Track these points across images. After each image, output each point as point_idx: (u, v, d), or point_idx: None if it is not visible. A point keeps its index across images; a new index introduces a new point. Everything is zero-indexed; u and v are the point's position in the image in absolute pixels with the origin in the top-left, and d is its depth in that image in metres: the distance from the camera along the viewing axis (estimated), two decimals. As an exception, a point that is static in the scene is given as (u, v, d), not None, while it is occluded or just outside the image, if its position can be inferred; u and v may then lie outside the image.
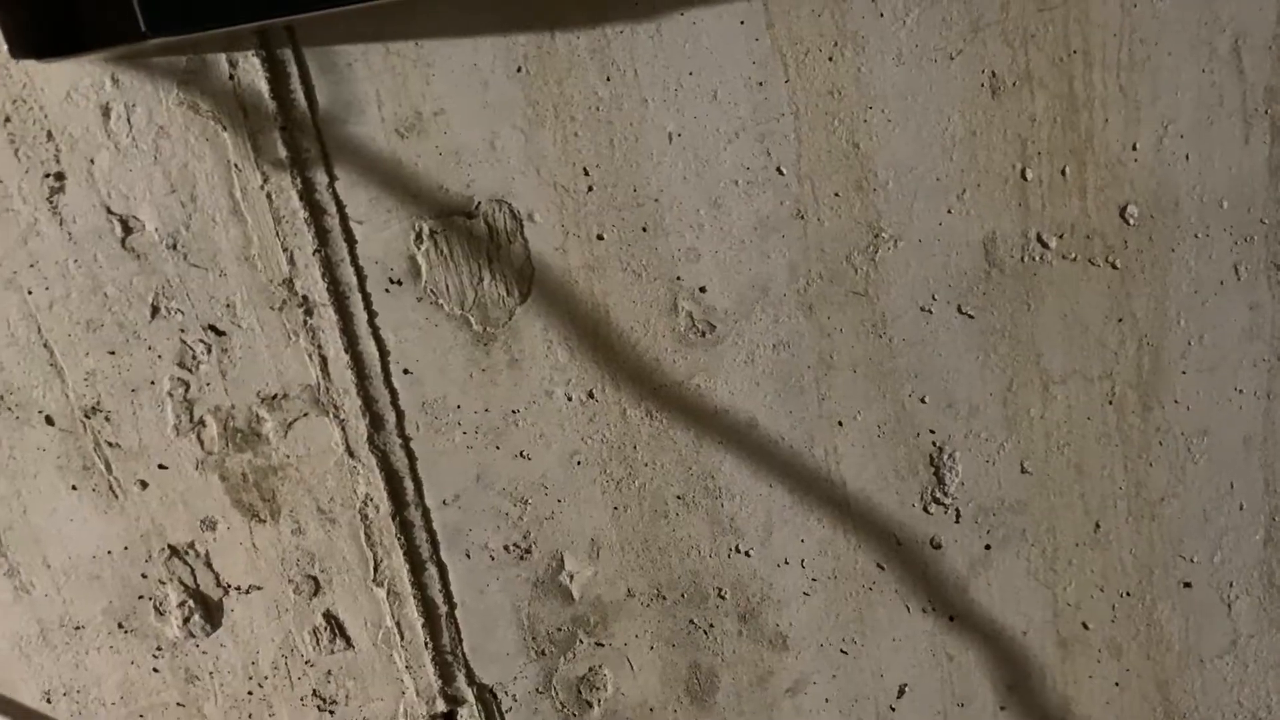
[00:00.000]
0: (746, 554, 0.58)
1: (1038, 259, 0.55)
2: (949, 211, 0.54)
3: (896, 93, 0.52)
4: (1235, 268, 0.57)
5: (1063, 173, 0.54)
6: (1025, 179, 0.54)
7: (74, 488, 0.50)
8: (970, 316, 0.56)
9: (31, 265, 0.47)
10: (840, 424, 0.56)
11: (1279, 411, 0.61)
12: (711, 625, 0.59)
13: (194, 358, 0.49)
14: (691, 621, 0.59)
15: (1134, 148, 0.55)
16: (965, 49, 0.51)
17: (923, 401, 0.57)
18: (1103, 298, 0.56)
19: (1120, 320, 0.57)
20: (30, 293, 0.47)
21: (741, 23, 0.50)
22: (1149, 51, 0.53)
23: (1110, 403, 0.59)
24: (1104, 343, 0.57)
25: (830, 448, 0.57)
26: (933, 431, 0.57)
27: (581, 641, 0.58)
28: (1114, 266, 0.56)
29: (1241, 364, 0.59)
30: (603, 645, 0.58)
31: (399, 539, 0.54)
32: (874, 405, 0.56)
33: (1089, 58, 0.53)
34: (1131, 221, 0.56)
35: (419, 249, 0.50)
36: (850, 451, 0.57)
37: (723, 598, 0.58)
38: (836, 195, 0.53)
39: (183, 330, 0.49)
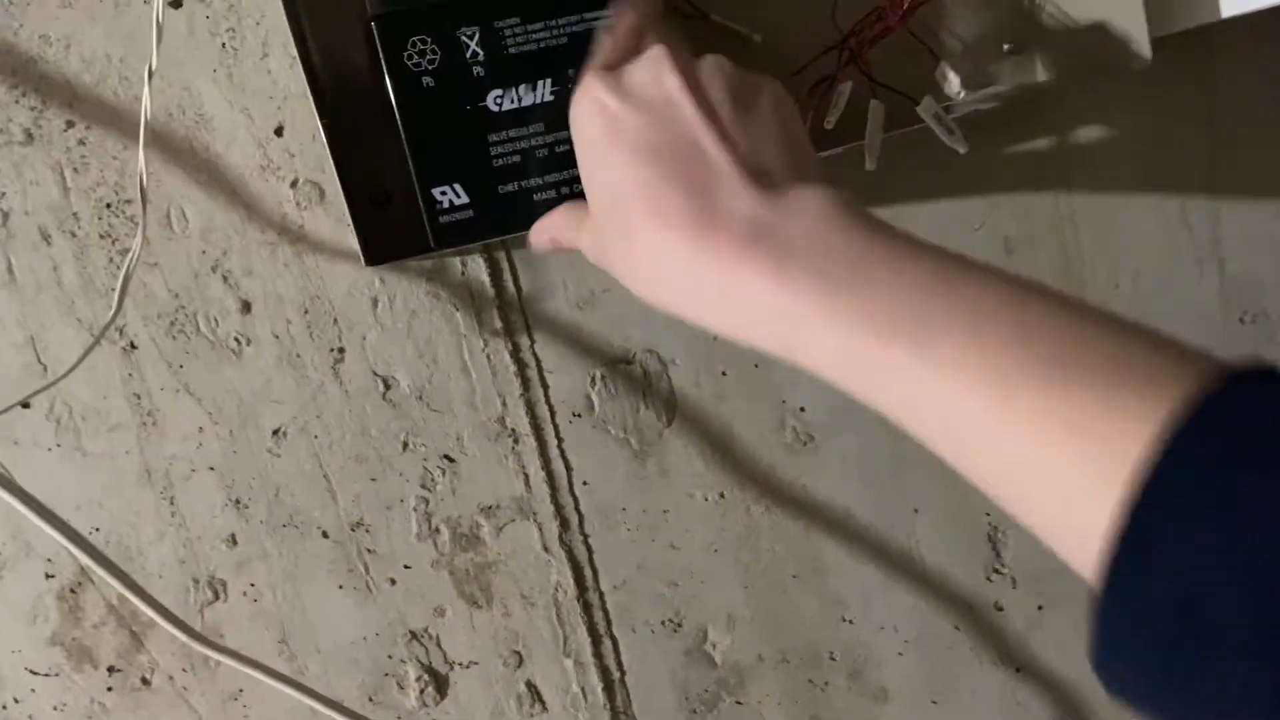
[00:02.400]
0: (850, 622, 0.72)
1: (1054, 374, 0.72)
2: (983, 341, 0.71)
3: (936, 256, 0.70)
4: (1206, 373, 0.74)
5: (1065, 308, 0.72)
6: (1038, 314, 0.72)
7: (340, 587, 0.65)
8: (1007, 421, 0.72)
9: (318, 416, 0.64)
10: (916, 511, 0.72)
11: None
12: (826, 683, 0.73)
13: (432, 480, 0.65)
14: (810, 680, 0.72)
15: (1117, 288, 0.73)
16: (987, 221, 0.70)
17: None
18: (1107, 401, 0.73)
19: (1123, 418, 0.73)
20: (316, 437, 0.64)
21: (819, 213, 0.68)
22: (1119, 215, 0.72)
23: (1123, 484, 0.74)
24: (1112, 437, 0.74)
25: (910, 531, 0.72)
26: (988, 514, 0.73)
27: (724, 700, 0.71)
28: (1113, 376, 0.73)
29: (1223, 449, 0.75)
30: (741, 703, 0.72)
31: (582, 618, 0.68)
32: (941, 495, 0.72)
33: (1075, 223, 0.72)
34: (1122, 341, 0.73)
35: (593, 390, 0.67)
36: (926, 533, 0.72)
37: (834, 659, 0.72)
38: (898, 334, 0.70)
39: (425, 460, 0.65)
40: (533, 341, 0.66)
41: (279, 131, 0.61)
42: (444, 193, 0.55)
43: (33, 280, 0.59)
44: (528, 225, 0.57)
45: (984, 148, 0.69)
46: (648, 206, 0.42)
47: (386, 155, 0.56)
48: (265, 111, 0.61)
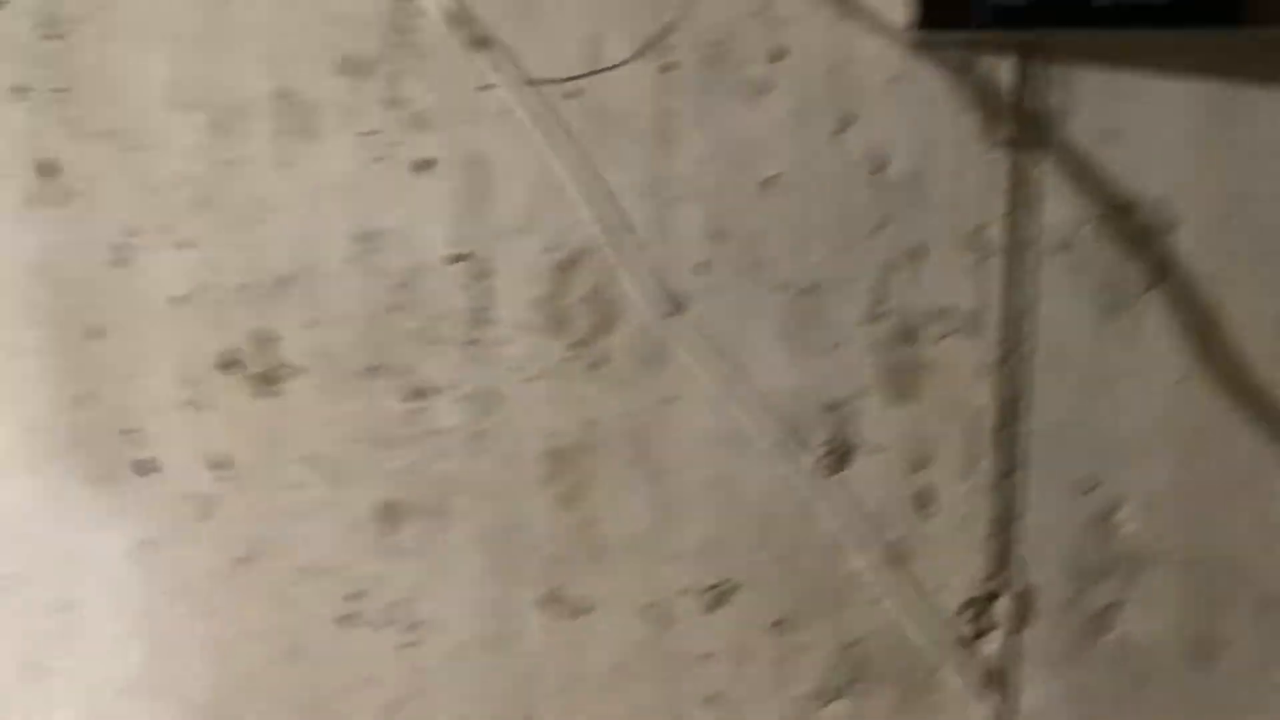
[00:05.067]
0: (1283, 554, 0.66)
1: None
2: None
3: None
4: None
5: None
6: None
7: (781, 339, 0.69)
8: None
9: (809, 176, 0.66)
10: None
11: None
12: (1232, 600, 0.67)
13: (893, 269, 0.66)
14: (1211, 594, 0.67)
15: None
16: None
17: None
18: None
19: None
20: (800, 195, 0.67)
21: None
22: None
23: None
24: None
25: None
26: None
27: (1112, 581, 0.68)
28: None
29: None
30: (1127, 594, 0.68)
31: (996, 447, 0.68)
32: None
33: None
34: None
35: (1083, 228, 0.64)
36: None
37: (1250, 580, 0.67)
38: None
39: (890, 247, 0.66)
40: (1038, 162, 0.64)
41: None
42: (1006, -28, 0.54)
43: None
44: (1079, 22, 0.55)
45: None
46: None
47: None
48: None
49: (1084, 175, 0.63)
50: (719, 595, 0.72)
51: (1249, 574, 0.67)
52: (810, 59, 0.65)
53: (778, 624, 0.72)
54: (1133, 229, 0.63)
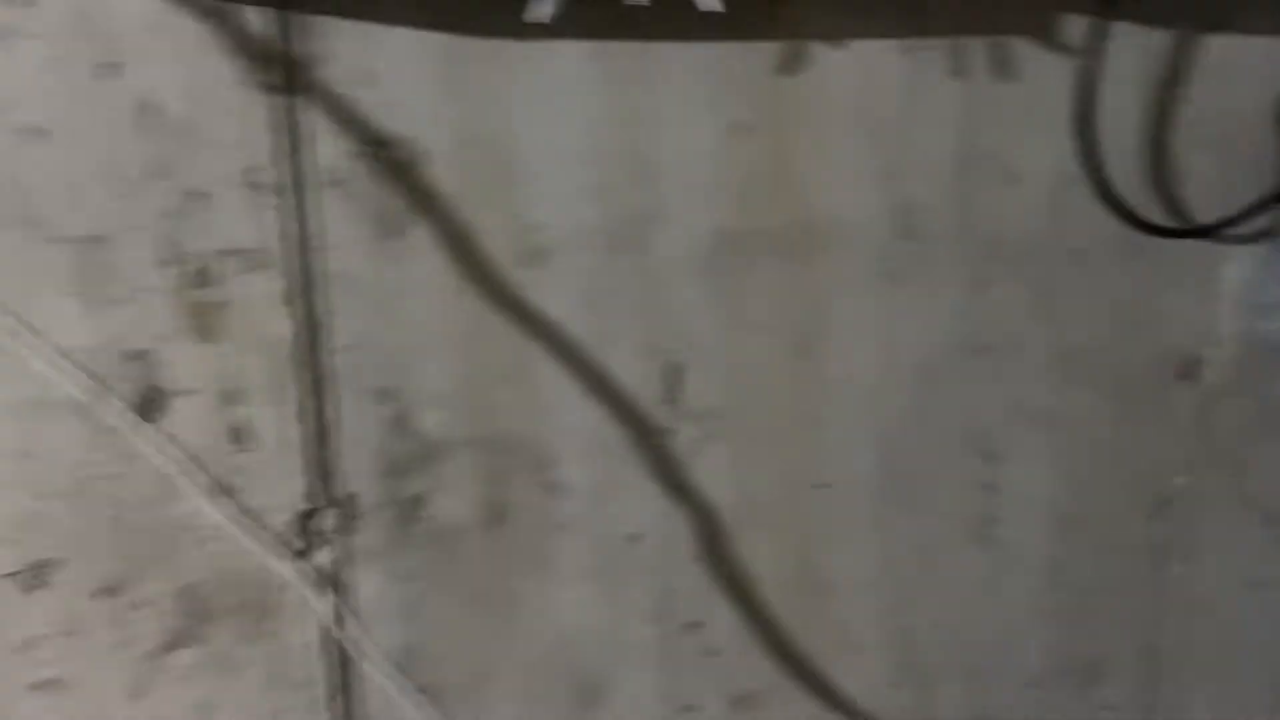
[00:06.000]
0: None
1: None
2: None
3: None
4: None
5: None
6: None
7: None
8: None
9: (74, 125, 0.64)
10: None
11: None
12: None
13: (180, 212, 0.68)
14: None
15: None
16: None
17: (673, 333, 0.83)
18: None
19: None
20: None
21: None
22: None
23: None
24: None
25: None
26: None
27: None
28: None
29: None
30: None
31: (305, 372, 0.73)
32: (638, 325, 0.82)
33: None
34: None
35: (352, 162, 0.71)
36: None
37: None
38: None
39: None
40: (303, 104, 0.69)
41: None
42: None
43: None
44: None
45: None
46: None
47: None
48: None
49: (345, 116, 0.70)
50: (38, 573, 0.68)
51: (523, 448, 0.81)
52: (59, 5, 0.63)
53: (109, 589, 0.70)
54: (393, 162, 0.72)
